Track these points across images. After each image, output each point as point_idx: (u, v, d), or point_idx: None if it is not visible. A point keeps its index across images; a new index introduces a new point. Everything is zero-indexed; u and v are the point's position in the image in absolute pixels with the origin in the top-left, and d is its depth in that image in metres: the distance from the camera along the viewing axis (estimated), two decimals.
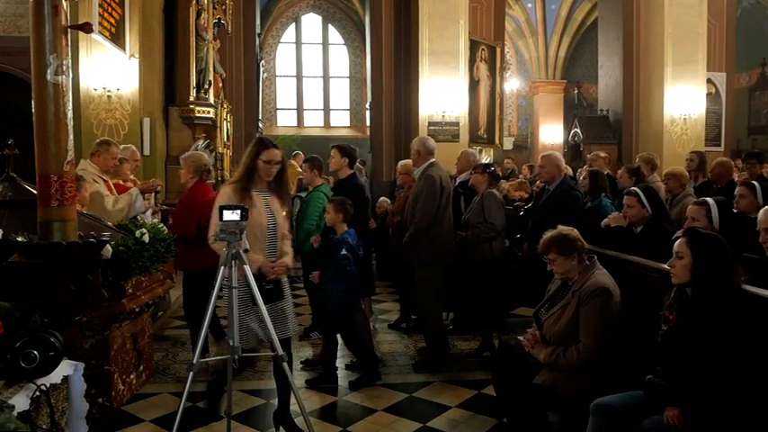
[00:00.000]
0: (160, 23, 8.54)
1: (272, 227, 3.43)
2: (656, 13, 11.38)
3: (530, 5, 18.40)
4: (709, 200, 3.69)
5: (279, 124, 19.73)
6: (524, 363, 3.31)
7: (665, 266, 2.84)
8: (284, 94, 19.99)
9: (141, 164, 6.56)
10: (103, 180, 5.01)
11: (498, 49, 11.51)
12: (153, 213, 5.39)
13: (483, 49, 11.12)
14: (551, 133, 19.34)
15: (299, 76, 20.05)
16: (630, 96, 12.19)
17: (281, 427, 3.64)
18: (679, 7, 11.17)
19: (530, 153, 18.87)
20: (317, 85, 20.22)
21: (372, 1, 11.94)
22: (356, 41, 19.71)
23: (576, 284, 3.21)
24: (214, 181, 8.79)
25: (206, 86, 8.92)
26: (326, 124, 20.21)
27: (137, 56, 7.34)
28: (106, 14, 6.53)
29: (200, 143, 8.60)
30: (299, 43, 19.99)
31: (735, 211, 4.00)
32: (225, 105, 9.93)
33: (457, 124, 10.34)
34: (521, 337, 3.44)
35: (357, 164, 6.01)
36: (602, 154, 7.58)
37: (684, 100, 11.40)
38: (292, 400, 3.49)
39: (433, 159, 4.88)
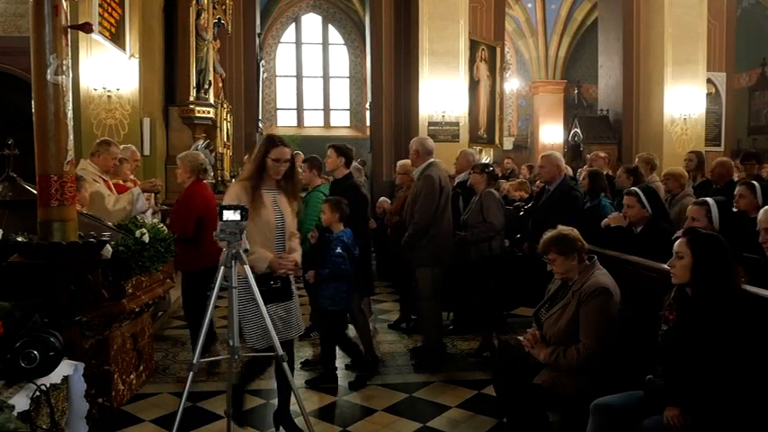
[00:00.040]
0: (160, 23, 8.54)
1: (281, 225, 3.42)
2: (656, 13, 11.38)
3: (530, 5, 18.40)
4: (709, 200, 3.69)
5: (279, 124, 19.74)
6: (524, 363, 3.31)
7: (665, 266, 2.84)
8: (284, 94, 19.99)
9: (141, 164, 6.56)
10: (103, 180, 5.01)
11: (498, 49, 11.51)
12: (153, 213, 5.39)
13: (483, 49, 11.12)
14: (551, 133, 19.34)
15: (299, 76, 20.06)
16: (630, 96, 12.19)
17: (281, 428, 3.64)
18: (679, 7, 11.17)
19: (530, 153, 18.88)
20: (317, 85, 20.22)
21: (372, 1, 11.94)
22: (356, 41, 19.71)
23: (576, 284, 3.21)
24: (214, 181, 8.83)
25: (206, 86, 8.93)
26: (326, 124, 20.22)
27: (137, 56, 7.34)
28: (106, 14, 6.54)
29: (201, 143, 8.61)
30: (299, 43, 20.00)
31: (735, 210, 4.00)
32: (225, 105, 9.94)
33: (457, 124, 10.34)
34: (521, 337, 3.44)
35: (357, 164, 6.00)
36: (602, 154, 7.59)
37: (684, 100, 11.40)
38: (292, 399, 3.49)
39: (432, 159, 4.88)
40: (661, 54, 11.33)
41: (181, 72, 8.78)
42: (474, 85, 10.99)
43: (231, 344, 3.09)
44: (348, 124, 20.25)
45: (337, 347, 4.66)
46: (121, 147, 5.64)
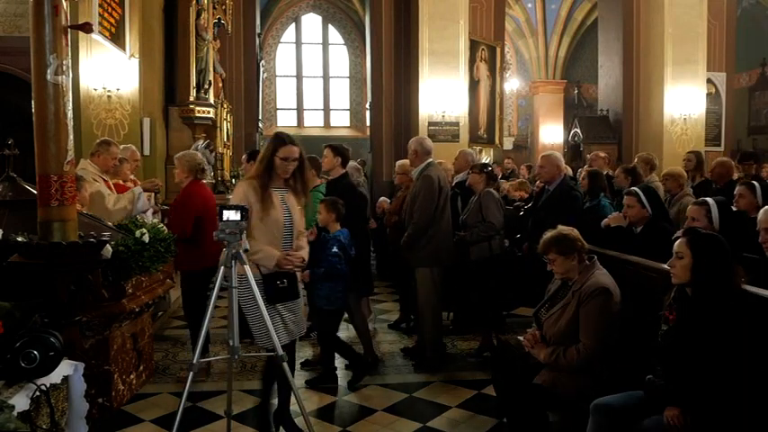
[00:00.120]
0: (160, 23, 8.54)
1: (289, 224, 3.40)
2: (656, 13, 11.39)
3: (530, 5, 18.39)
4: (709, 200, 3.69)
5: (279, 124, 19.71)
6: (524, 363, 3.31)
7: (665, 266, 2.84)
8: (284, 94, 19.98)
9: (141, 164, 6.56)
10: (103, 180, 5.01)
11: (498, 49, 11.51)
12: (153, 213, 5.39)
13: (483, 49, 11.13)
14: (551, 133, 19.34)
15: (299, 76, 20.05)
16: (630, 96, 12.19)
17: (281, 428, 3.64)
18: (679, 7, 11.17)
19: (530, 153, 18.87)
20: (317, 85, 20.21)
21: (372, 1, 11.94)
22: (356, 41, 19.71)
23: (576, 284, 3.21)
24: (214, 181, 8.83)
25: (206, 86, 8.92)
26: (326, 124, 20.21)
27: (137, 56, 7.34)
28: (106, 14, 6.53)
29: (201, 143, 8.60)
30: (299, 43, 19.99)
31: (734, 209, 4.00)
32: (225, 105, 9.93)
33: (457, 124, 10.35)
34: (521, 337, 3.44)
35: (356, 164, 6.00)
36: (602, 154, 7.59)
37: (684, 100, 11.40)
38: (292, 399, 3.49)
39: (431, 159, 4.89)
40: (661, 54, 11.33)
41: (181, 72, 8.78)
42: (474, 85, 10.99)
43: (231, 344, 3.09)
44: (348, 124, 20.24)
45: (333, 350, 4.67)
46: (121, 147, 5.64)
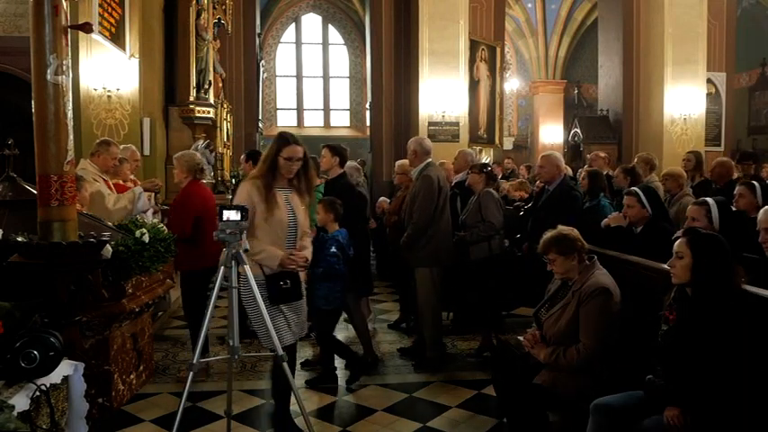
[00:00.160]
0: (160, 23, 8.53)
1: (293, 224, 3.39)
2: (656, 13, 11.39)
3: (530, 5, 18.39)
4: (709, 200, 3.69)
5: (279, 124, 19.72)
6: (524, 363, 3.31)
7: (665, 266, 2.84)
8: (284, 94, 19.98)
9: (141, 164, 6.56)
10: (103, 180, 5.01)
11: (498, 49, 11.51)
12: (154, 213, 5.39)
13: (483, 49, 11.13)
14: (551, 133, 19.34)
15: (299, 76, 20.05)
16: (630, 96, 12.19)
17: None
18: (679, 7, 11.17)
19: (530, 153, 18.87)
20: (317, 85, 20.22)
21: (372, 1, 11.94)
22: (356, 41, 19.71)
23: (576, 284, 3.21)
24: (213, 181, 8.83)
25: (206, 86, 8.92)
26: (326, 124, 20.22)
27: (137, 56, 7.34)
28: (106, 14, 6.53)
29: (201, 143, 8.60)
30: (299, 43, 19.99)
31: (734, 209, 4.00)
32: (225, 105, 9.93)
33: (457, 124, 10.35)
34: (521, 337, 3.44)
35: (356, 164, 6.00)
36: (602, 154, 7.59)
37: (684, 100, 11.40)
38: (292, 399, 3.48)
39: (430, 159, 4.89)
40: (661, 54, 11.33)
41: (181, 72, 8.78)
42: (474, 85, 10.99)
43: (231, 344, 3.09)
44: (348, 124, 20.24)
45: (320, 347, 4.67)
46: (121, 147, 5.64)
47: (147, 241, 4.04)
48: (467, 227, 5.03)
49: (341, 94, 20.31)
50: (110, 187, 5.04)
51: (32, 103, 3.37)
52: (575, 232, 3.29)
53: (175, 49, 8.76)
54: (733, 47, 13.03)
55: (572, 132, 13.91)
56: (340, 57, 20.20)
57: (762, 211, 3.25)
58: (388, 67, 11.55)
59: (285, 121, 19.89)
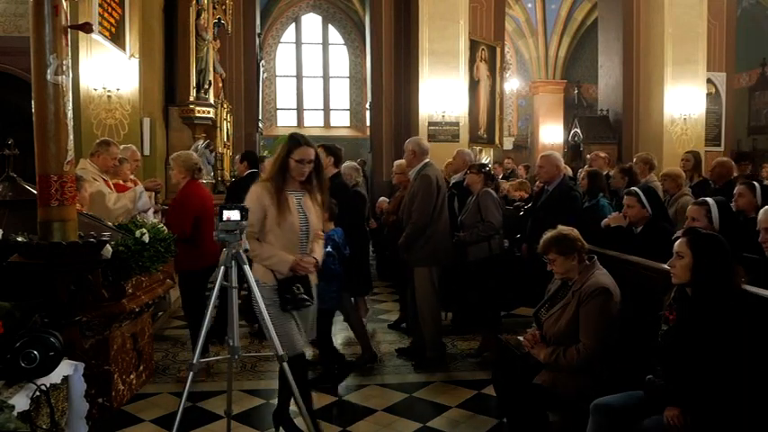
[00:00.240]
0: (160, 23, 8.53)
1: (305, 228, 3.31)
2: (656, 13, 11.39)
3: (530, 5, 18.39)
4: (710, 200, 3.69)
5: (279, 124, 19.72)
6: (524, 363, 3.31)
7: (665, 266, 2.84)
8: (284, 94, 19.97)
9: (141, 164, 6.56)
10: (103, 179, 5.01)
11: (498, 49, 11.51)
12: (155, 213, 5.40)
13: (483, 49, 11.13)
14: (551, 133, 19.33)
15: (299, 76, 20.05)
16: (630, 96, 12.19)
17: (280, 428, 3.63)
18: (679, 7, 11.17)
19: (530, 153, 18.87)
20: (317, 85, 20.21)
21: (372, 1, 11.95)
22: (356, 41, 19.71)
23: (576, 284, 3.21)
24: (213, 181, 8.83)
25: (206, 86, 8.92)
26: (326, 124, 20.21)
27: (137, 56, 7.34)
28: (106, 14, 6.53)
29: (201, 143, 8.61)
30: (299, 43, 19.99)
31: (734, 209, 4.00)
32: (225, 105, 9.93)
33: (457, 124, 10.35)
34: (521, 337, 3.44)
35: (355, 164, 6.01)
36: (602, 154, 7.59)
37: (684, 100, 11.40)
38: (292, 399, 3.48)
39: (428, 159, 4.89)
40: (661, 54, 11.33)
41: (181, 72, 8.77)
42: (474, 85, 10.99)
43: (231, 344, 3.09)
44: (348, 124, 20.24)
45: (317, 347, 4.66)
46: (121, 147, 5.64)
47: (147, 241, 4.04)
48: (465, 227, 5.02)
49: (341, 94, 20.30)
50: (110, 187, 5.04)
51: (32, 103, 3.37)
52: (575, 232, 3.29)
53: (175, 49, 8.76)
54: (733, 47, 13.03)
55: (572, 132, 13.91)
56: (340, 57, 20.19)
57: (762, 211, 3.25)
58: (388, 67, 11.55)
59: (285, 121, 19.89)
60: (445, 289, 5.00)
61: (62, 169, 3.38)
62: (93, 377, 3.61)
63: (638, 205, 4.06)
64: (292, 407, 3.54)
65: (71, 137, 3.43)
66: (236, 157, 7.20)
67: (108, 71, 6.69)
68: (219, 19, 9.72)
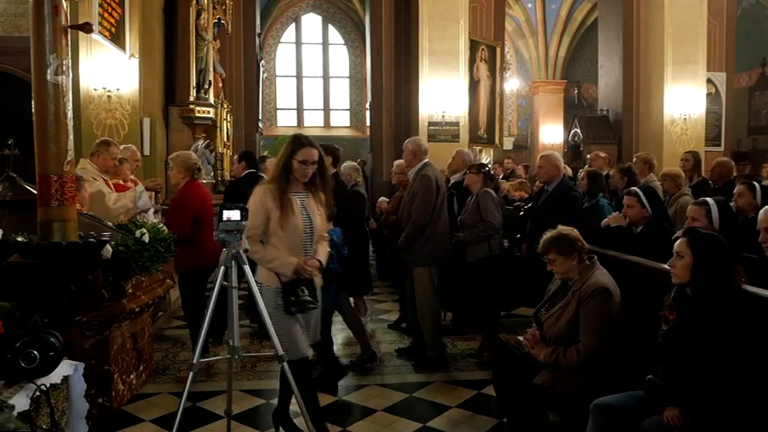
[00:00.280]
0: (160, 23, 8.53)
1: (309, 230, 3.25)
2: (656, 13, 11.39)
3: (530, 5, 18.39)
4: (710, 200, 3.69)
5: (279, 124, 19.73)
6: (524, 363, 3.31)
7: (665, 266, 2.84)
8: (284, 94, 19.98)
9: (141, 164, 6.56)
10: (103, 179, 5.02)
11: (498, 49, 11.51)
12: (155, 212, 5.40)
13: (483, 49, 11.13)
14: (551, 133, 19.34)
15: (299, 76, 20.05)
16: (630, 96, 12.20)
17: (280, 428, 3.63)
18: (679, 7, 11.17)
19: (530, 153, 18.87)
20: (317, 85, 20.22)
21: (372, 1, 11.95)
22: (356, 41, 19.71)
23: (576, 284, 3.21)
24: (213, 181, 8.83)
25: (206, 86, 8.92)
26: (326, 124, 20.21)
27: (137, 56, 7.34)
28: (106, 14, 6.53)
29: (201, 143, 8.61)
30: (299, 43, 19.99)
31: (734, 209, 4.01)
32: (225, 105, 9.93)
33: (457, 124, 10.35)
34: (521, 337, 3.44)
35: (355, 164, 6.01)
36: (602, 154, 7.59)
37: (684, 100, 11.41)
38: (292, 399, 3.48)
39: (427, 159, 4.89)
40: (661, 54, 11.33)
41: (181, 72, 8.77)
42: (474, 85, 11.00)
43: (231, 344, 3.09)
44: (348, 124, 20.24)
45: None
46: (121, 147, 5.64)
47: (147, 241, 4.04)
48: (465, 227, 5.02)
49: (341, 94, 20.31)
50: (110, 187, 5.04)
51: (32, 103, 3.37)
52: (575, 232, 3.29)
53: (175, 49, 8.76)
54: (733, 47, 13.03)
55: (572, 132, 13.91)
56: (340, 57, 20.20)
57: (762, 211, 3.25)
58: (388, 67, 11.55)
59: (285, 121, 19.90)
60: (445, 289, 5.00)
61: (62, 169, 3.38)
62: (93, 377, 3.61)
63: (638, 205, 4.06)
64: (293, 407, 3.54)
65: (71, 137, 3.43)
66: (234, 157, 7.20)
67: (108, 71, 6.69)
68: (219, 19, 9.72)
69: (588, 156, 8.23)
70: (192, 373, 2.94)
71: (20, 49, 4.83)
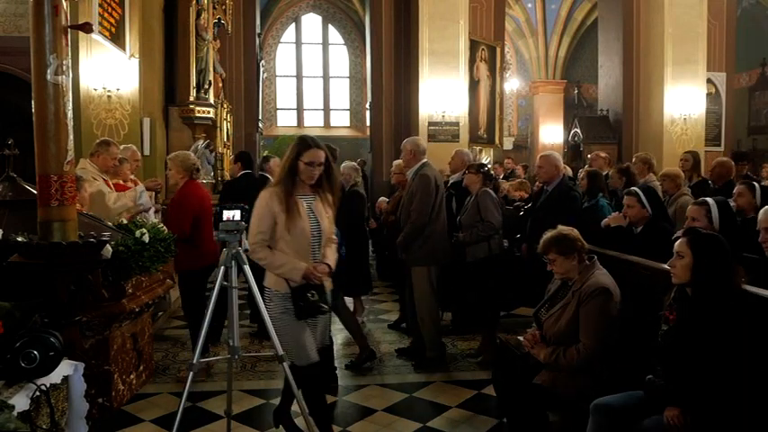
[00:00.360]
0: (160, 23, 8.54)
1: (317, 233, 3.18)
2: (656, 13, 11.39)
3: (530, 5, 18.40)
4: (710, 200, 3.69)
5: (279, 124, 19.75)
6: (524, 363, 3.31)
7: (665, 266, 2.84)
8: (284, 94, 19.99)
9: (141, 164, 6.56)
10: (103, 179, 5.02)
11: (498, 49, 11.51)
12: (155, 212, 5.40)
13: (483, 49, 11.13)
14: (551, 133, 19.34)
15: (299, 76, 20.06)
16: (630, 96, 12.20)
17: (280, 427, 3.63)
18: (679, 7, 11.17)
19: (530, 153, 18.88)
20: (317, 85, 20.23)
21: (372, 1, 11.95)
22: (356, 41, 19.72)
23: (576, 284, 3.21)
24: (214, 181, 8.83)
25: (206, 86, 8.92)
26: (326, 124, 20.22)
27: (137, 56, 7.34)
28: (106, 14, 6.53)
29: (201, 143, 8.61)
30: (299, 43, 20.00)
31: (734, 209, 4.00)
32: (225, 105, 9.93)
33: (457, 124, 10.35)
34: (521, 337, 3.44)
35: (355, 164, 6.02)
36: (603, 154, 7.58)
37: (684, 100, 11.41)
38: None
39: (426, 159, 4.90)
40: (661, 54, 11.34)
41: (181, 72, 8.78)
42: (474, 85, 11.00)
43: (231, 344, 3.09)
44: (348, 124, 20.25)
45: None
46: (122, 147, 5.64)
47: (147, 241, 4.04)
48: (464, 227, 5.01)
49: (341, 94, 20.32)
50: (110, 187, 5.04)
51: (32, 103, 3.37)
52: (575, 232, 3.29)
53: (175, 49, 8.76)
54: (733, 47, 13.03)
55: (572, 132, 13.91)
56: (340, 57, 20.21)
57: (762, 211, 3.25)
58: (388, 67, 11.55)
59: (285, 121, 19.92)
60: (444, 289, 5.00)
61: (62, 169, 3.38)
62: (93, 377, 3.61)
63: (638, 205, 4.06)
64: (294, 407, 3.54)
65: (71, 137, 3.43)
66: (231, 157, 7.21)
67: (108, 71, 6.69)
68: (219, 19, 9.72)
69: (589, 156, 8.23)
70: (191, 373, 2.95)
71: (20, 49, 4.84)
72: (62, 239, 3.38)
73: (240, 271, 3.07)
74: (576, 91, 19.18)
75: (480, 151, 11.17)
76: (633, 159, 7.01)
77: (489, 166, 6.74)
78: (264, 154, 9.19)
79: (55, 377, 2.50)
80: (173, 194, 5.06)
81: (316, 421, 3.26)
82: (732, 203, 4.06)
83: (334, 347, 4.73)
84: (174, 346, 5.38)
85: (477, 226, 4.91)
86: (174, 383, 4.44)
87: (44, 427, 2.41)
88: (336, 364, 4.63)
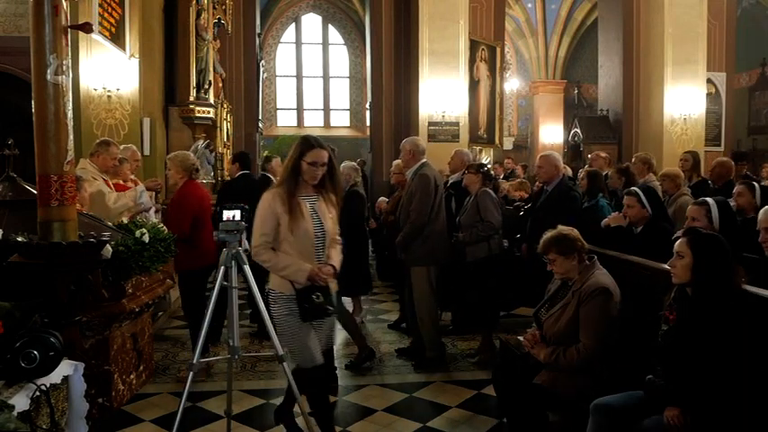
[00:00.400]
0: (160, 23, 8.54)
1: (321, 234, 3.13)
2: (656, 13, 11.39)
3: (530, 5, 18.40)
4: (710, 200, 3.69)
5: (279, 124, 19.75)
6: (524, 363, 3.31)
7: (665, 266, 2.84)
8: (284, 94, 20.00)
9: (141, 164, 6.56)
10: (103, 179, 5.02)
11: (498, 49, 11.51)
12: (156, 212, 5.40)
13: (483, 49, 11.13)
14: (551, 133, 19.34)
15: (299, 76, 20.06)
16: (630, 96, 12.20)
17: (281, 426, 3.63)
18: (679, 7, 11.17)
19: (530, 153, 18.88)
20: (317, 85, 20.23)
21: (372, 1, 11.95)
22: (356, 41, 19.72)
23: (576, 284, 3.21)
24: (214, 181, 8.83)
25: (206, 86, 8.92)
26: (326, 124, 20.22)
27: (137, 56, 7.34)
28: (106, 14, 6.53)
29: (201, 143, 8.61)
30: (299, 43, 20.00)
31: (734, 208, 4.01)
32: (225, 105, 9.93)
33: (457, 124, 10.35)
34: (521, 337, 3.44)
35: (355, 164, 6.02)
36: (603, 154, 7.58)
37: (684, 100, 11.41)
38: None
39: (425, 159, 4.90)
40: (661, 54, 11.34)
41: (181, 72, 8.78)
42: (474, 85, 11.00)
43: (231, 344, 3.09)
44: (348, 124, 20.25)
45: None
46: (122, 147, 5.64)
47: (147, 241, 4.04)
48: (463, 227, 5.01)
49: (341, 94, 20.32)
50: (110, 187, 5.04)
51: (32, 103, 3.37)
52: (575, 232, 3.29)
53: (175, 49, 8.76)
54: (733, 47, 13.03)
55: (572, 132, 13.91)
56: (340, 57, 20.21)
57: (762, 211, 3.25)
58: (388, 67, 11.56)
59: (285, 121, 19.92)
60: (444, 289, 5.00)
61: (62, 169, 3.38)
62: (93, 377, 3.61)
63: (638, 205, 4.06)
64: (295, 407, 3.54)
65: (71, 137, 3.43)
66: (229, 158, 7.21)
67: (108, 71, 6.69)
68: (219, 19, 9.72)
69: (589, 156, 8.23)
70: (192, 373, 2.95)
71: (20, 49, 4.84)
72: (62, 239, 3.38)
73: (240, 271, 3.07)
74: (576, 91, 19.18)
75: (480, 151, 11.17)
76: (633, 159, 7.00)
77: (489, 166, 6.74)
78: (265, 154, 9.19)
79: (55, 377, 2.50)
80: (172, 194, 5.06)
81: (319, 423, 3.25)
82: (732, 203, 4.07)
83: (334, 348, 4.73)
84: (174, 346, 5.38)
85: (476, 226, 4.91)
86: (174, 383, 4.44)
87: (44, 427, 2.41)
88: (336, 364, 4.63)
